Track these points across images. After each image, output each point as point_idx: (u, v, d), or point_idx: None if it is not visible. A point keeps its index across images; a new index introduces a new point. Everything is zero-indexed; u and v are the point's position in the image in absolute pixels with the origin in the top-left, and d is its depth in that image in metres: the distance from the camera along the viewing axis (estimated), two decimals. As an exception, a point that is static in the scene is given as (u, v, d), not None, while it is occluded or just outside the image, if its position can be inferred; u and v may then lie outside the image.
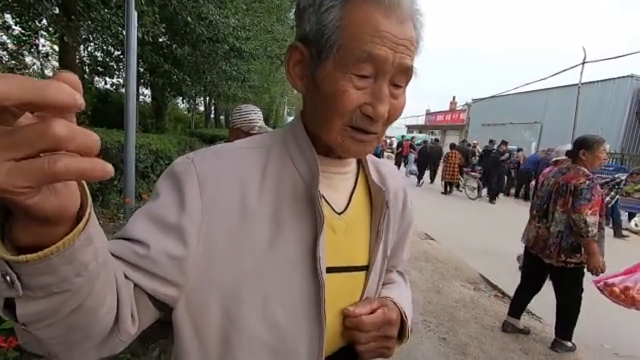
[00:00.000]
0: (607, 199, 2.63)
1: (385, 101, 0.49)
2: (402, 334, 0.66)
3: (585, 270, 2.50)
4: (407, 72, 0.51)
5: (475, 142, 15.82)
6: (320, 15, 0.49)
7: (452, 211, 8.23)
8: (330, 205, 0.58)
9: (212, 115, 21.75)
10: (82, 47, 8.52)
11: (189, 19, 5.91)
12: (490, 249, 5.13)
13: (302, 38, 0.52)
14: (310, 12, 0.50)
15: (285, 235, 0.52)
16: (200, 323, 0.51)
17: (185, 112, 19.87)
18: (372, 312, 0.58)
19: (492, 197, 10.19)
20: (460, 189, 10.87)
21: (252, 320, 0.51)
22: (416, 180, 12.56)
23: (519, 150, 12.09)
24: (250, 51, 8.38)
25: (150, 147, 5.31)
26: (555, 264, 2.53)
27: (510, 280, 3.96)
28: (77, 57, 7.31)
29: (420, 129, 32.19)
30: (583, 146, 2.51)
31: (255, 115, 1.96)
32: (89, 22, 4.93)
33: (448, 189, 10.87)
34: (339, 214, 0.58)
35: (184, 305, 0.51)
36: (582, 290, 2.58)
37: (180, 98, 13.04)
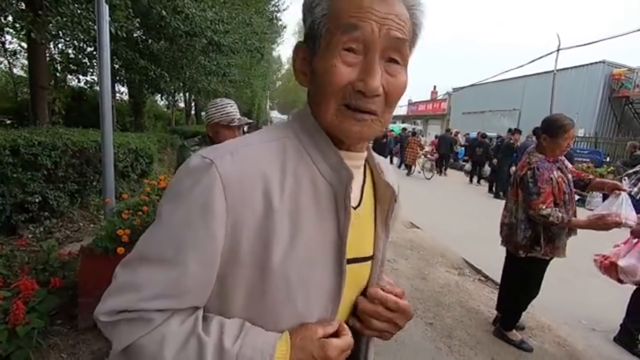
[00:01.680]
0: (634, 191, 2.43)
1: (375, 75, 0.49)
2: None
3: (543, 260, 2.33)
4: (398, 46, 0.51)
5: (456, 130, 16.10)
6: (312, 11, 0.53)
7: (439, 200, 8.38)
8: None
9: (192, 112, 21.34)
10: (52, 44, 8.17)
11: (163, 12, 5.75)
12: (473, 234, 5.25)
13: (305, 38, 0.56)
14: (306, 13, 0.54)
15: (304, 234, 0.52)
16: (224, 308, 0.53)
17: (165, 109, 19.41)
18: (397, 296, 0.63)
19: (497, 195, 8.98)
20: (419, 170, 12.63)
21: (277, 308, 0.52)
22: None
23: (498, 137, 12.34)
24: (229, 45, 8.20)
25: (129, 145, 5.18)
26: (517, 254, 2.36)
27: (494, 264, 4.08)
28: (47, 54, 7.00)
29: (403, 119, 32.44)
30: (547, 131, 2.27)
31: (231, 108, 1.95)
32: (58, 17, 4.72)
33: (409, 170, 12.65)
34: (355, 208, 0.59)
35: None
36: (533, 284, 2.45)
37: (159, 95, 12.70)
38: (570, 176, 2.34)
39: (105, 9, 3.01)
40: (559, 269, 2.93)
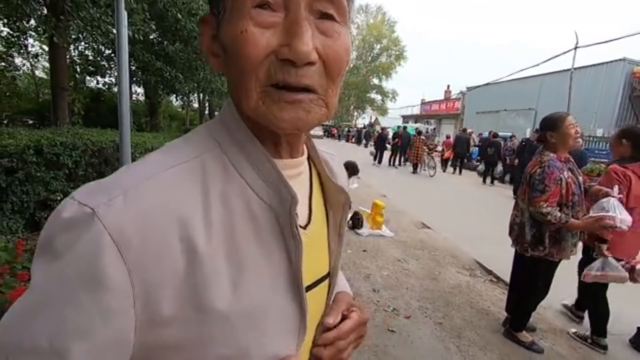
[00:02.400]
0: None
1: (303, 35, 0.36)
2: None
3: (552, 261, 2.32)
4: None
5: (470, 130, 15.90)
6: None
7: (452, 201, 8.31)
8: None
9: (206, 112, 21.66)
10: (72, 46, 8.45)
11: (179, 15, 5.88)
12: (485, 234, 5.21)
13: (210, 6, 0.43)
14: None
15: (247, 274, 0.40)
16: None
17: (180, 109, 19.77)
18: (344, 317, 0.55)
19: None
20: (424, 168, 12.98)
21: None
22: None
23: (512, 137, 12.14)
24: (242, 46, 8.33)
25: (145, 145, 5.31)
26: (524, 253, 2.38)
27: (506, 265, 4.06)
28: (68, 56, 7.25)
29: (416, 118, 32.21)
30: (547, 127, 2.29)
31: None
32: (79, 21, 4.89)
33: (414, 168, 13.08)
34: (304, 227, 0.48)
35: None
36: (542, 284, 2.44)
37: (174, 95, 12.96)
38: (581, 179, 2.33)
39: (124, 13, 3.12)
40: (572, 271, 2.91)
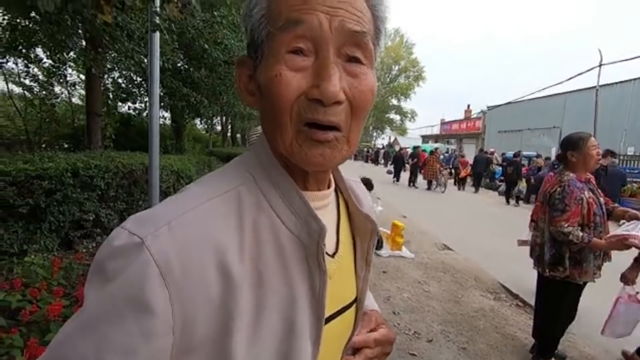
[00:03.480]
0: None
1: (331, 77, 0.39)
2: None
3: (576, 284, 2.26)
4: (358, 40, 0.42)
5: (492, 149, 15.65)
6: (250, 15, 0.44)
7: (473, 221, 8.13)
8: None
9: (229, 134, 22.32)
10: (106, 75, 9.06)
11: (206, 45, 6.23)
12: (509, 256, 5.05)
13: (247, 50, 0.47)
14: (246, 19, 0.46)
15: (271, 304, 0.42)
16: None
17: (203, 132, 20.47)
18: (372, 330, 0.60)
19: None
20: (437, 186, 13.59)
21: None
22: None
23: (537, 156, 11.85)
24: (264, 71, 8.68)
25: (171, 167, 5.55)
26: (543, 274, 2.37)
27: (533, 289, 3.92)
28: (102, 85, 7.76)
29: (436, 138, 31.97)
30: (569, 147, 2.28)
31: None
32: (114, 53, 5.27)
33: (429, 186, 13.71)
34: (332, 256, 0.51)
35: None
36: (565, 309, 2.38)
37: (199, 119, 13.49)
38: (602, 200, 2.29)
39: (157, 46, 3.37)
40: (603, 296, 2.78)
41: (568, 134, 2.44)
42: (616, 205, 2.47)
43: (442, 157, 15.49)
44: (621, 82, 14.60)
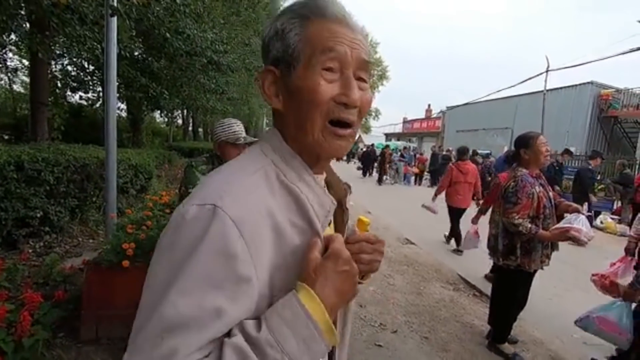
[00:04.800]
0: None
1: (354, 88, 0.56)
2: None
3: (528, 271, 2.43)
4: (365, 66, 0.59)
5: (450, 148, 16.38)
6: (284, 37, 0.57)
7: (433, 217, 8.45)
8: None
9: (190, 128, 21.53)
10: (53, 61, 8.36)
11: (167, 34, 5.94)
12: (469, 251, 5.32)
13: (272, 62, 0.59)
14: (275, 39, 0.58)
15: (294, 257, 0.55)
16: None
17: (163, 126, 19.59)
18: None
19: None
20: (388, 179, 15.21)
21: None
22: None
23: (488, 155, 12.57)
24: (228, 64, 8.44)
25: (129, 162, 5.26)
26: (497, 263, 2.56)
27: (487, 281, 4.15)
28: (49, 72, 7.16)
29: (398, 136, 32.87)
30: (521, 145, 2.47)
31: (237, 127, 2.06)
32: (64, 38, 4.88)
33: (382, 179, 14.98)
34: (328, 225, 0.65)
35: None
36: (518, 295, 2.56)
37: (158, 112, 12.88)
38: (551, 194, 2.49)
39: (114, 32, 3.16)
40: (550, 283, 3.02)
41: (519, 134, 2.62)
42: (562, 199, 2.69)
43: (407, 156, 16.32)
44: (565, 87, 15.84)
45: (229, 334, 0.47)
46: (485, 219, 3.38)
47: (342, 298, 0.53)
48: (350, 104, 0.56)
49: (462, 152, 5.53)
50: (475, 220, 4.40)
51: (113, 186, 3.18)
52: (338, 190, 0.70)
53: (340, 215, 0.70)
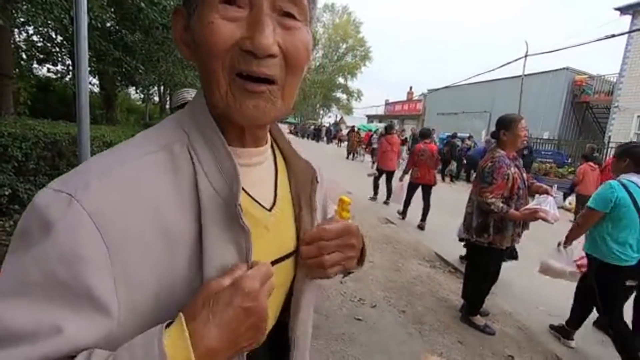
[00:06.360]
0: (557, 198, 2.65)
1: (264, 29, 0.40)
2: (361, 259, 0.63)
3: (500, 248, 2.55)
4: None
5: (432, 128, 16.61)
6: None
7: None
8: (260, 203, 0.51)
9: (167, 105, 20.82)
10: (16, 30, 7.80)
11: (142, 4, 5.63)
12: (444, 229, 5.50)
13: (183, 1, 0.47)
14: None
15: (210, 258, 0.42)
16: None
17: (139, 103, 18.85)
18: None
19: None
20: (356, 156, 16.67)
21: None
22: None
23: (469, 137, 12.85)
24: (207, 39, 8.14)
25: (103, 139, 5.06)
26: (471, 239, 2.66)
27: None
28: (12, 42, 6.69)
29: (380, 118, 32.98)
30: (502, 127, 2.53)
31: (187, 94, 2.05)
32: (28, 4, 4.55)
33: (351, 156, 16.54)
34: (269, 210, 0.52)
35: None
36: (490, 271, 2.69)
37: (133, 88, 12.35)
38: (525, 175, 2.61)
39: (84, -2, 2.96)
40: (520, 260, 3.17)
41: (497, 117, 2.69)
42: (534, 181, 2.81)
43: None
44: (541, 72, 16.21)
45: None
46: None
47: (232, 343, 0.39)
48: (257, 51, 0.40)
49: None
50: (401, 179, 5.76)
51: (87, 163, 3.06)
52: (302, 177, 0.57)
53: (304, 174, 0.56)
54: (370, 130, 17.62)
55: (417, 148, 5.67)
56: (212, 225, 0.43)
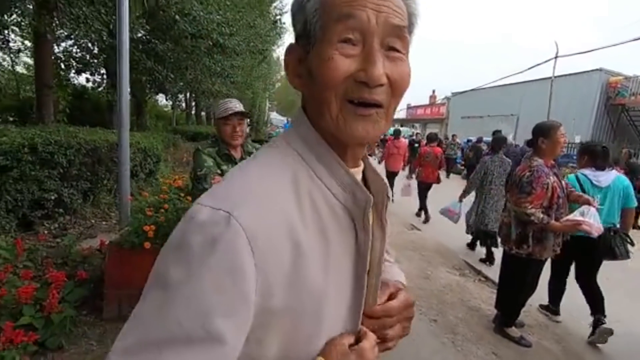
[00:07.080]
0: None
1: (376, 63, 0.45)
2: None
3: (538, 260, 2.48)
4: (398, 33, 0.48)
5: (453, 134, 16.30)
6: (303, 9, 0.50)
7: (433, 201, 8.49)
8: None
9: (193, 112, 21.43)
10: (55, 43, 8.27)
11: (176, 17, 5.86)
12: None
13: (296, 39, 0.53)
14: (298, 12, 0.51)
15: (333, 263, 0.49)
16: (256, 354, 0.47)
17: (166, 109, 19.52)
18: (391, 297, 0.60)
19: None
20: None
21: (312, 340, 0.49)
22: None
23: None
24: (233, 47, 8.35)
25: (138, 145, 5.27)
26: (509, 251, 2.57)
27: (494, 266, 4.21)
28: (52, 53, 7.09)
29: (402, 122, 32.65)
30: (540, 134, 2.45)
31: (230, 104, 2.11)
32: (71, 19, 4.82)
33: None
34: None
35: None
36: (528, 282, 2.60)
37: (162, 95, 12.81)
38: (564, 183, 2.51)
39: (126, 12, 3.12)
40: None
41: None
42: (572, 189, 2.71)
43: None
44: (573, 74, 15.63)
45: None
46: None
47: None
48: (370, 82, 0.46)
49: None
50: (409, 177, 6.57)
51: (127, 169, 3.21)
52: (378, 191, 0.58)
53: (380, 189, 0.58)
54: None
55: (423, 151, 6.35)
56: (337, 228, 0.50)
